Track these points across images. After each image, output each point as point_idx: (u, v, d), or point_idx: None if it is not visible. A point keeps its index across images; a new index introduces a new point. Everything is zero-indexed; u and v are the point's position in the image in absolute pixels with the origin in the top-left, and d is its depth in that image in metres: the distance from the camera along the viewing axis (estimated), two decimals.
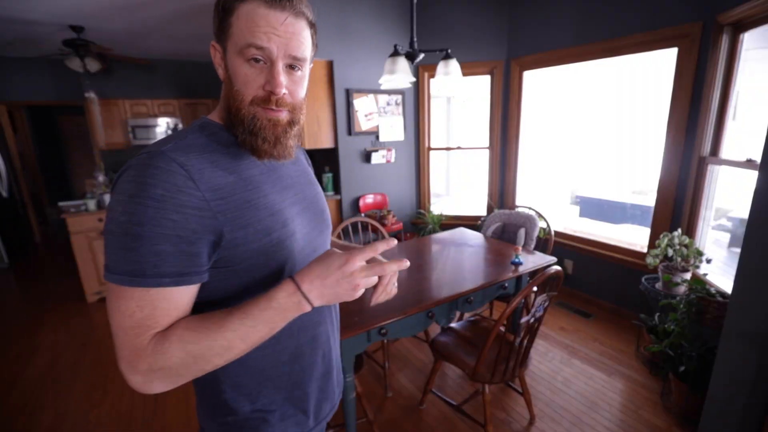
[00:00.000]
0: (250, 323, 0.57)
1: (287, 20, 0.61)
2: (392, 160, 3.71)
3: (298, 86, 0.66)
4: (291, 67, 0.64)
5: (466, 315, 2.70)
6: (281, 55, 0.62)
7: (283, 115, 0.65)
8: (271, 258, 0.66)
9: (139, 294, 0.54)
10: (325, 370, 0.82)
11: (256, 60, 0.61)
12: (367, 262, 0.62)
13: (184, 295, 0.58)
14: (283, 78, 0.63)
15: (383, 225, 3.46)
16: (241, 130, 0.64)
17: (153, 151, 0.59)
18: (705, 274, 2.22)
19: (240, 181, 0.64)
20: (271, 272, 0.67)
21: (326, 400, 0.84)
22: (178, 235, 0.55)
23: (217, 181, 0.61)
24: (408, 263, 0.63)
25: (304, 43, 0.64)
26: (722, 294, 1.87)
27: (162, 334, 0.56)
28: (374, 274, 0.60)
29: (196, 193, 0.57)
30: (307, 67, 0.68)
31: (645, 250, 2.68)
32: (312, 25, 0.66)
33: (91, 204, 3.36)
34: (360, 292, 0.61)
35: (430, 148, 3.88)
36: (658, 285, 2.31)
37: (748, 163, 1.97)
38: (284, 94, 0.64)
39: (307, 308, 0.59)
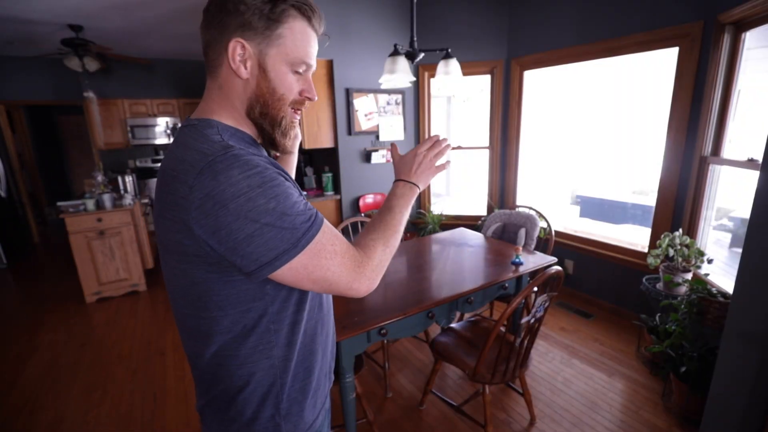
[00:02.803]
0: (397, 211, 0.79)
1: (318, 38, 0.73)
2: (392, 159, 3.70)
3: None
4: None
5: (467, 315, 2.70)
6: (312, 69, 0.73)
7: (298, 117, 0.76)
8: None
9: (324, 236, 0.65)
10: (329, 368, 0.88)
11: (299, 72, 0.70)
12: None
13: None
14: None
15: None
16: (276, 128, 0.71)
17: (225, 151, 0.61)
18: (706, 275, 2.22)
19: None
20: None
21: (329, 381, 0.89)
22: (299, 192, 0.67)
23: (276, 166, 0.67)
24: (448, 142, 0.89)
25: None
26: (723, 294, 1.87)
27: (359, 245, 0.72)
28: (434, 149, 0.87)
29: (280, 170, 0.65)
30: None
31: (646, 250, 2.68)
32: None
33: (90, 204, 3.35)
34: (435, 163, 0.87)
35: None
36: (659, 285, 2.31)
37: (750, 163, 1.97)
38: None
39: (417, 189, 0.84)
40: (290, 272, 0.63)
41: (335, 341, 0.91)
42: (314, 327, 0.78)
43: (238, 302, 0.67)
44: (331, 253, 0.65)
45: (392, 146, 0.95)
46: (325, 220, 0.67)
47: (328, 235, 0.66)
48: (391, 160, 0.91)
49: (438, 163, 0.88)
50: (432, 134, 0.95)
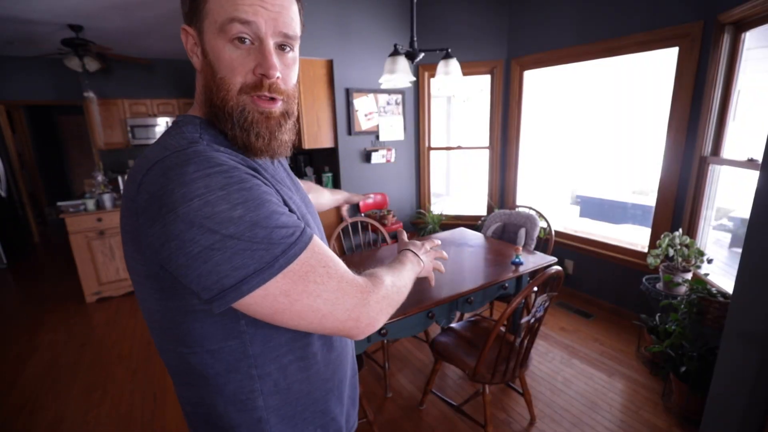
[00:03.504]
0: (408, 268, 0.75)
1: None
2: (392, 159, 3.70)
3: (290, 70, 0.58)
4: (281, 48, 0.56)
5: (467, 315, 2.70)
6: (270, 32, 0.53)
7: (277, 106, 0.57)
8: None
9: (312, 256, 0.51)
10: (353, 374, 0.79)
11: (242, 40, 0.52)
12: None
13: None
14: (275, 59, 0.54)
15: (383, 225, 3.45)
16: (230, 125, 0.55)
17: (187, 146, 0.50)
18: (706, 275, 2.22)
19: (267, 175, 0.59)
20: None
21: (353, 407, 0.79)
22: (279, 201, 0.53)
23: (258, 171, 0.56)
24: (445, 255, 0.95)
25: (295, 18, 0.56)
26: (723, 294, 1.87)
27: (368, 273, 0.62)
28: (437, 254, 0.91)
29: (258, 174, 0.53)
30: (298, 48, 0.60)
31: (646, 250, 2.68)
32: None
33: (90, 204, 3.35)
34: (432, 258, 0.89)
35: (430, 148, 3.88)
36: (659, 285, 2.31)
37: (750, 163, 1.97)
38: (278, 78, 0.55)
39: (422, 265, 0.82)
40: (265, 301, 0.48)
41: (356, 384, 0.79)
42: (322, 366, 0.64)
43: (205, 340, 0.54)
44: (323, 276, 0.51)
45: (400, 233, 0.96)
46: (317, 240, 0.54)
47: (320, 254, 0.52)
48: (397, 239, 0.96)
49: (434, 257, 0.91)
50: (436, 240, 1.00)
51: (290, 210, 0.56)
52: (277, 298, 0.48)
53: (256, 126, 0.56)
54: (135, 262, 0.53)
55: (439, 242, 0.94)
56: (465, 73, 3.15)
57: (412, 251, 0.82)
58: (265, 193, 0.50)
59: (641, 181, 4.02)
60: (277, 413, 0.60)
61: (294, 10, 0.57)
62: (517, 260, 1.96)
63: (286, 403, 0.61)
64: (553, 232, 2.62)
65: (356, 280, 0.56)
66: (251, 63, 0.54)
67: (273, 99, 0.56)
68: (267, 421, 0.59)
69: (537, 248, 2.43)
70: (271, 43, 0.54)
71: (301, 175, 3.87)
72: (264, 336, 0.56)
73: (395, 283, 0.64)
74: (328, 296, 0.51)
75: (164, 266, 0.49)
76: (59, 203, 3.51)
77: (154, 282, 0.52)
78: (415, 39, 2.18)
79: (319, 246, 0.53)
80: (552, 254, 2.42)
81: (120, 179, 4.19)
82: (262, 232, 0.47)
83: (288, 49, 0.57)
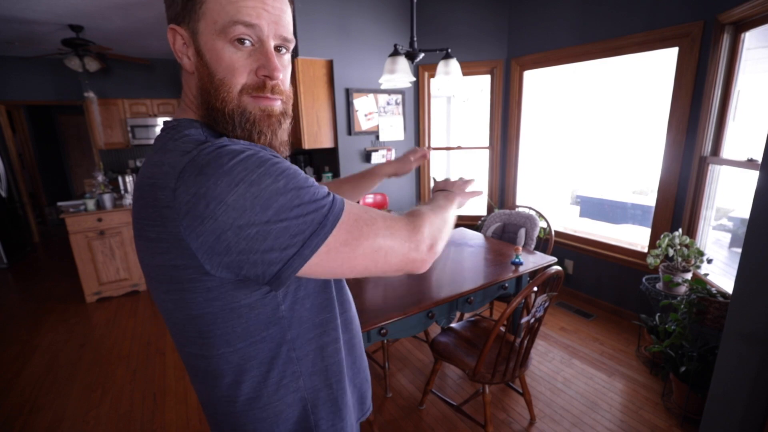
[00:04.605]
0: (443, 204, 0.74)
1: None
2: (392, 159, 3.69)
3: (286, 72, 0.59)
4: (278, 49, 0.56)
5: (466, 315, 2.70)
6: (272, 35, 0.54)
7: (277, 105, 0.58)
8: None
9: (351, 207, 0.53)
10: (365, 362, 0.81)
11: (242, 41, 0.52)
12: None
13: None
14: (278, 61, 0.55)
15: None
16: (231, 127, 0.55)
17: (206, 147, 0.50)
18: (706, 275, 2.22)
19: None
20: None
21: (369, 390, 0.81)
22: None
23: None
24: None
25: (290, 21, 0.58)
26: (723, 294, 1.87)
27: (411, 212, 0.63)
28: (467, 182, 0.91)
29: None
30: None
31: (645, 250, 2.68)
32: (291, 0, 0.60)
33: (90, 204, 3.35)
34: (465, 189, 0.88)
35: (430, 148, 3.88)
36: (659, 285, 2.31)
37: (749, 163, 1.97)
38: (280, 80, 0.56)
39: (455, 198, 0.81)
40: (329, 256, 0.50)
41: (364, 362, 0.80)
42: (342, 347, 0.68)
43: (248, 333, 0.56)
44: (370, 219, 0.54)
45: (435, 184, 0.96)
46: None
47: (356, 206, 0.55)
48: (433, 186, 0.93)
49: (467, 189, 0.90)
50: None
51: None
52: (339, 250, 0.51)
53: (258, 125, 0.56)
54: (174, 270, 0.51)
55: (473, 179, 0.94)
56: (465, 73, 3.16)
57: (445, 190, 0.84)
58: (292, 166, 0.52)
59: (641, 181, 4.02)
60: (316, 394, 0.63)
61: (290, 13, 0.58)
62: (517, 260, 1.96)
63: (322, 377, 0.64)
64: (552, 232, 2.62)
65: (401, 219, 0.59)
66: (252, 64, 0.54)
67: (269, 98, 0.57)
68: (308, 399, 0.62)
69: (537, 248, 2.43)
70: (272, 45, 0.55)
71: None
72: (299, 320, 0.60)
73: (439, 217, 0.66)
74: (383, 233, 0.54)
75: (221, 261, 0.48)
76: (59, 203, 3.52)
77: (200, 284, 0.51)
78: (415, 39, 2.18)
79: (350, 202, 0.56)
80: (552, 254, 2.42)
81: (120, 179, 4.18)
82: (307, 195, 0.49)
83: (284, 50, 0.58)
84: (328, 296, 0.64)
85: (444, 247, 0.66)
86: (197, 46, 0.54)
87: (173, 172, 0.48)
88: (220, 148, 0.48)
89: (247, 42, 0.53)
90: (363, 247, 0.52)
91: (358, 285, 1.80)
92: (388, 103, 3.59)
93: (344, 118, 3.38)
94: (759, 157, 1.48)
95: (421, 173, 3.92)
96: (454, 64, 2.17)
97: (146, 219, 0.51)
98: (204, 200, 0.46)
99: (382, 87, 3.00)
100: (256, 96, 0.55)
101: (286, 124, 0.61)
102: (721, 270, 2.33)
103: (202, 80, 0.55)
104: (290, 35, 0.57)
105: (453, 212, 0.76)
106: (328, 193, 0.52)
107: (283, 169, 0.49)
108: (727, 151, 2.25)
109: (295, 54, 3.05)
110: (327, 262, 0.51)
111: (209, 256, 0.48)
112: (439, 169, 5.32)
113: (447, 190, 0.86)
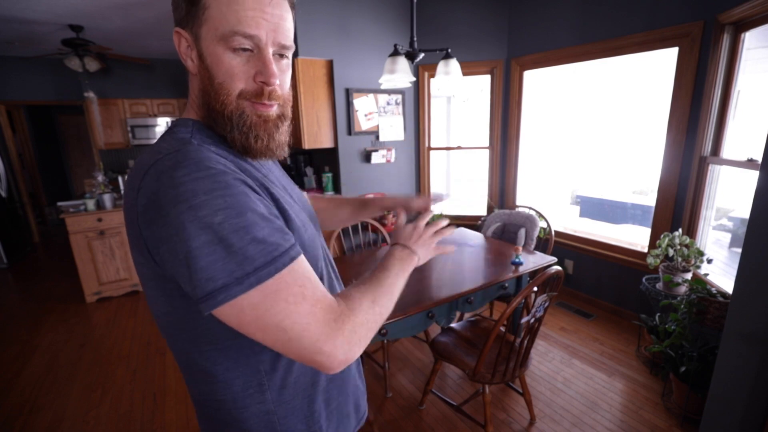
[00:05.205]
0: (394, 273, 0.67)
1: (275, 1, 0.55)
2: (392, 160, 3.70)
3: (285, 75, 0.60)
4: (278, 55, 0.58)
5: (466, 315, 2.70)
6: (270, 42, 0.55)
7: (273, 110, 0.59)
8: (310, 255, 0.61)
9: (290, 276, 0.49)
10: (359, 368, 0.80)
11: (243, 49, 0.54)
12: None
13: (307, 262, 0.55)
14: (275, 68, 0.56)
15: (383, 225, 3.45)
16: (229, 128, 0.57)
17: (179, 147, 0.51)
18: (706, 275, 2.22)
19: (260, 179, 0.59)
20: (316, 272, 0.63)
21: (362, 397, 0.81)
22: (270, 212, 0.52)
23: (250, 173, 0.57)
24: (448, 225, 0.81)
25: (290, 28, 0.58)
26: (723, 294, 1.87)
27: (343, 296, 0.57)
28: (437, 233, 0.77)
29: (248, 179, 0.53)
30: (291, 54, 0.63)
31: (645, 250, 2.68)
32: (293, 6, 0.60)
33: (90, 204, 3.35)
34: (435, 241, 0.77)
35: (430, 148, 3.88)
36: (659, 285, 2.31)
37: (749, 163, 1.97)
38: (277, 85, 0.58)
39: (416, 258, 0.72)
40: (233, 311, 0.47)
41: (360, 371, 0.80)
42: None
43: (214, 338, 0.56)
44: (297, 296, 0.49)
45: (398, 212, 0.84)
46: (303, 260, 0.53)
47: (299, 275, 0.51)
48: (394, 224, 0.80)
49: (437, 241, 0.78)
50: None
51: (282, 211, 0.57)
52: (244, 312, 0.48)
53: (254, 129, 0.58)
54: (141, 267, 0.54)
55: (445, 224, 0.80)
56: (465, 73, 3.15)
57: (402, 245, 0.73)
58: (249, 201, 0.49)
59: (641, 181, 4.02)
60: (284, 406, 0.62)
61: (290, 19, 0.59)
62: (517, 260, 1.96)
63: (294, 396, 0.63)
64: (552, 232, 2.62)
65: (333, 307, 0.53)
66: (251, 70, 0.55)
67: (266, 104, 0.58)
68: (275, 412, 0.61)
69: (537, 248, 2.43)
70: (270, 52, 0.56)
71: (302, 175, 3.87)
72: None
73: (377, 301, 0.59)
74: (297, 319, 0.49)
75: (163, 267, 0.50)
76: (59, 203, 3.52)
77: (166, 284, 0.52)
78: (415, 39, 2.18)
79: (301, 266, 0.52)
80: (552, 254, 2.42)
81: (120, 179, 4.18)
82: (239, 241, 0.46)
83: (284, 56, 0.59)
84: None
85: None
86: (199, 50, 0.55)
87: (141, 173, 0.50)
88: (186, 158, 0.49)
89: (247, 50, 0.54)
90: (268, 321, 0.48)
91: None
92: (388, 103, 3.59)
93: (344, 118, 3.38)
94: (759, 157, 1.48)
95: (421, 173, 3.92)
96: (454, 64, 2.17)
97: (126, 216, 0.53)
98: (153, 207, 0.47)
99: (382, 87, 3.00)
100: (255, 101, 0.57)
101: (285, 127, 0.62)
102: (721, 270, 2.33)
103: (203, 82, 0.57)
104: (289, 42, 0.58)
105: (403, 281, 0.67)
106: (274, 248, 0.48)
107: (228, 205, 0.47)
108: (727, 151, 2.25)
109: (295, 54, 3.05)
110: (230, 316, 0.48)
111: (156, 260, 0.50)
112: (439, 169, 5.32)
113: (407, 247, 0.72)
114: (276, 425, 0.62)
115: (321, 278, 0.67)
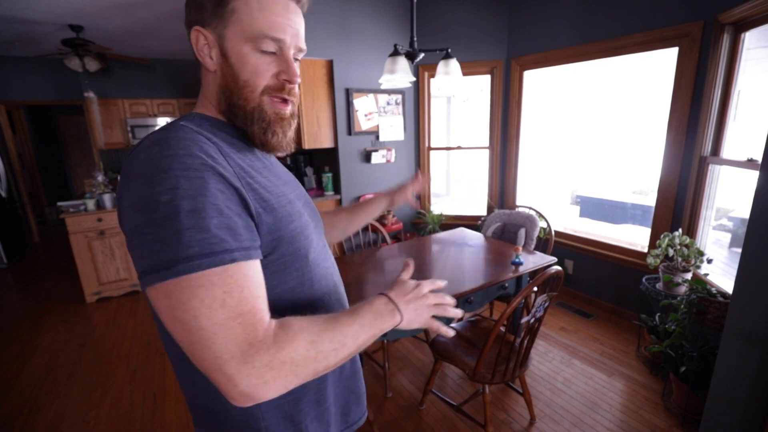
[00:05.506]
0: (359, 323, 0.57)
1: (295, 8, 0.60)
2: (392, 159, 3.70)
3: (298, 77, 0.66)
4: (294, 58, 0.63)
5: (467, 315, 2.70)
6: (292, 46, 0.61)
7: (288, 108, 0.64)
8: (297, 248, 0.61)
9: (219, 277, 0.46)
10: (354, 369, 0.78)
11: (268, 51, 0.58)
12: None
13: (259, 273, 0.52)
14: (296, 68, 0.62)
15: (383, 225, 3.45)
16: (249, 122, 0.61)
17: (169, 127, 0.54)
18: (706, 275, 2.22)
19: (253, 169, 0.61)
20: (300, 264, 0.63)
21: (356, 403, 0.78)
22: (228, 207, 0.49)
23: (240, 162, 0.57)
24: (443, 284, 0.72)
25: (304, 32, 0.64)
26: (723, 294, 1.87)
27: (280, 323, 0.50)
28: (440, 300, 0.68)
29: (228, 166, 0.53)
30: None
31: (645, 250, 2.68)
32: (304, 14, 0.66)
33: (90, 204, 3.35)
34: (431, 313, 0.67)
35: (430, 148, 3.88)
36: (659, 285, 2.31)
37: (749, 163, 1.97)
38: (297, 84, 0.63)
39: (398, 319, 0.62)
40: (151, 294, 0.47)
41: (358, 369, 0.79)
42: None
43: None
44: (216, 301, 0.45)
45: (405, 264, 0.73)
46: (246, 267, 0.49)
47: (231, 280, 0.47)
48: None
49: (435, 313, 0.69)
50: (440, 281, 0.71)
51: (265, 203, 0.56)
52: (159, 297, 0.46)
53: (272, 125, 0.62)
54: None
55: (443, 284, 0.71)
56: (465, 73, 3.16)
57: (389, 298, 0.63)
58: (208, 188, 0.47)
59: (641, 181, 4.03)
60: (269, 402, 0.61)
61: (304, 25, 0.64)
62: (517, 260, 1.96)
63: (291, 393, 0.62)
64: (552, 232, 2.62)
65: (255, 329, 0.47)
66: (274, 69, 0.60)
67: (286, 101, 0.63)
68: (258, 407, 0.61)
69: (537, 248, 2.44)
70: (291, 54, 0.61)
71: (302, 175, 3.87)
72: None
73: (317, 345, 0.51)
74: (205, 324, 0.44)
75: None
76: (59, 203, 3.51)
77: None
78: (415, 39, 2.18)
79: (239, 272, 0.48)
80: (552, 254, 2.42)
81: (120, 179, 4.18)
82: (176, 226, 0.45)
83: (297, 58, 0.64)
84: (305, 296, 0.64)
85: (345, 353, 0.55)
86: (223, 49, 0.58)
87: (128, 157, 0.54)
88: (165, 134, 0.51)
89: (270, 52, 0.59)
90: (177, 314, 0.45)
91: (358, 284, 1.80)
92: (388, 103, 3.59)
93: (344, 118, 3.38)
94: (759, 157, 1.48)
95: (420, 171, 3.92)
96: (454, 64, 2.17)
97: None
98: (123, 179, 0.51)
99: (382, 87, 3.00)
100: (274, 97, 0.61)
101: (294, 124, 0.67)
102: (721, 270, 2.33)
103: (225, 79, 0.60)
104: (305, 46, 0.64)
105: (368, 336, 0.58)
106: (216, 242, 0.46)
107: (179, 186, 0.46)
108: (727, 151, 2.25)
109: None
110: (152, 299, 0.47)
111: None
112: (439, 169, 5.33)
113: (392, 301, 0.62)
114: (260, 421, 0.62)
115: (319, 275, 0.67)
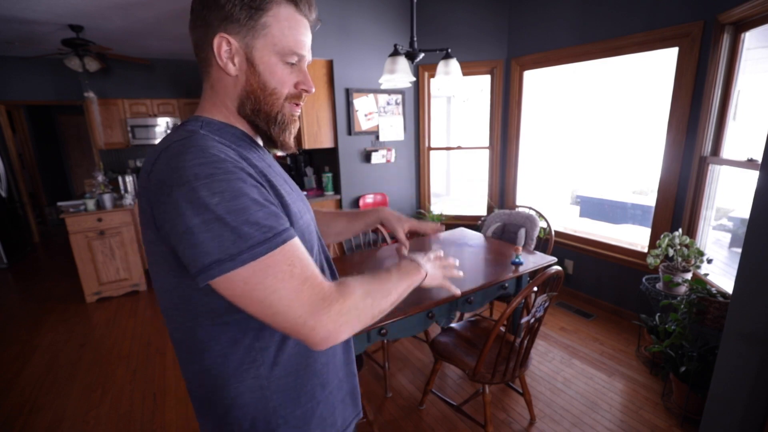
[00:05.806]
0: (396, 276, 0.72)
1: (310, 28, 0.68)
2: (392, 159, 3.70)
3: None
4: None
5: (466, 315, 2.70)
6: (308, 58, 0.70)
7: (298, 111, 0.72)
8: (305, 241, 0.65)
9: (280, 255, 0.55)
10: (350, 371, 0.82)
11: (291, 63, 0.66)
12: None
13: (303, 246, 0.60)
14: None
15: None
16: (272, 124, 0.68)
17: (188, 136, 0.58)
18: (706, 275, 2.22)
19: (264, 167, 0.65)
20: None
21: (353, 402, 0.82)
22: (265, 198, 0.57)
23: (254, 162, 0.63)
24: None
25: None
26: (723, 294, 1.87)
27: (339, 282, 0.62)
28: (447, 263, 0.84)
29: (247, 166, 0.59)
30: None
31: (645, 250, 2.68)
32: None
33: (90, 204, 3.35)
34: (443, 273, 0.82)
35: (430, 148, 3.88)
36: (659, 285, 2.31)
37: (749, 163, 1.97)
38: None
39: (423, 273, 0.76)
40: (227, 284, 0.53)
41: (352, 359, 0.83)
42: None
43: (213, 313, 0.61)
44: (285, 274, 0.54)
45: (398, 249, 0.92)
46: (296, 243, 0.58)
47: (290, 255, 0.56)
48: (396, 239, 0.89)
49: (445, 273, 0.83)
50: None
51: (279, 197, 0.63)
52: (236, 285, 0.53)
53: (288, 126, 0.70)
54: (151, 244, 0.60)
55: (442, 254, 0.87)
56: (465, 73, 3.15)
57: (411, 259, 0.78)
58: (246, 187, 0.55)
59: (641, 181, 4.03)
60: (277, 383, 0.66)
61: None
62: (517, 260, 1.96)
63: (287, 374, 0.67)
64: (552, 232, 2.62)
65: (322, 287, 0.57)
66: (294, 78, 0.67)
67: (298, 104, 0.70)
68: (267, 387, 0.65)
69: (537, 248, 2.43)
70: (306, 65, 0.70)
71: (302, 175, 3.87)
72: None
73: (371, 294, 0.64)
74: (284, 294, 0.54)
75: (166, 243, 0.56)
76: (59, 203, 3.51)
77: (170, 260, 0.58)
78: (415, 39, 2.18)
79: (293, 246, 0.57)
80: (552, 254, 2.42)
81: (120, 179, 4.18)
82: (233, 221, 0.52)
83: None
84: None
85: (391, 305, 0.68)
86: (250, 57, 0.63)
87: (153, 158, 0.58)
88: (192, 145, 0.56)
89: (292, 62, 0.66)
90: (257, 294, 0.54)
91: None
92: (388, 103, 3.59)
93: (344, 118, 3.38)
94: (759, 157, 1.48)
95: (421, 173, 3.92)
96: (454, 64, 2.16)
97: (139, 198, 0.60)
98: (162, 187, 0.54)
99: (382, 87, 3.00)
100: (293, 103, 0.69)
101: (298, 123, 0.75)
102: (721, 270, 2.33)
103: (250, 85, 0.65)
104: (311, 58, 0.72)
105: (400, 292, 0.71)
106: (268, 229, 0.54)
107: (224, 189, 0.53)
108: (727, 151, 2.25)
109: None
110: (225, 288, 0.54)
111: (163, 237, 0.56)
112: (439, 169, 5.32)
113: (415, 260, 0.78)
114: (268, 401, 0.66)
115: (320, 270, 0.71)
